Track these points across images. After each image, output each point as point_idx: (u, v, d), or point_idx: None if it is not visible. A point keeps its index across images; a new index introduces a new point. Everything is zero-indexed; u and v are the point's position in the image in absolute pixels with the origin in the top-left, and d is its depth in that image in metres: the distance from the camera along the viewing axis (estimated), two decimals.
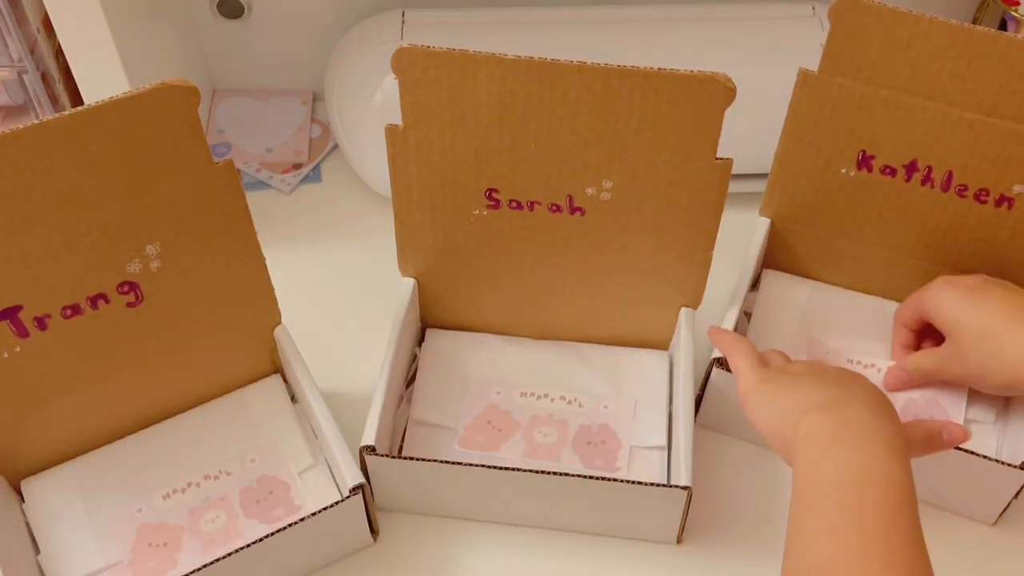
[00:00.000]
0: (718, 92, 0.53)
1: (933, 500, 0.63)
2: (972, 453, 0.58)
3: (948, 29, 0.56)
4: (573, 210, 0.60)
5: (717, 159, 0.56)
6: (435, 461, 0.57)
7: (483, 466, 0.57)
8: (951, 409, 0.65)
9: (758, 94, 0.63)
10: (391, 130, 0.58)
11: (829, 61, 0.60)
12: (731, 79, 0.52)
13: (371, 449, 0.57)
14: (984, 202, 0.61)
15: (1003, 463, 0.58)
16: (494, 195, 0.60)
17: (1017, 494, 0.60)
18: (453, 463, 0.57)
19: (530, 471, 0.57)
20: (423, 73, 0.55)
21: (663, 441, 0.63)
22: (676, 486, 0.56)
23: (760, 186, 0.68)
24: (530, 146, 0.57)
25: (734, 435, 0.66)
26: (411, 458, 0.58)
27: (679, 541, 0.61)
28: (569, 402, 0.66)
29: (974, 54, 0.56)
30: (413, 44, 0.54)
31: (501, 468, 0.57)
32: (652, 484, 0.56)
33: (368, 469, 0.59)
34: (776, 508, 0.63)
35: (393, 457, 0.58)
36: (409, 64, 0.54)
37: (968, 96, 0.58)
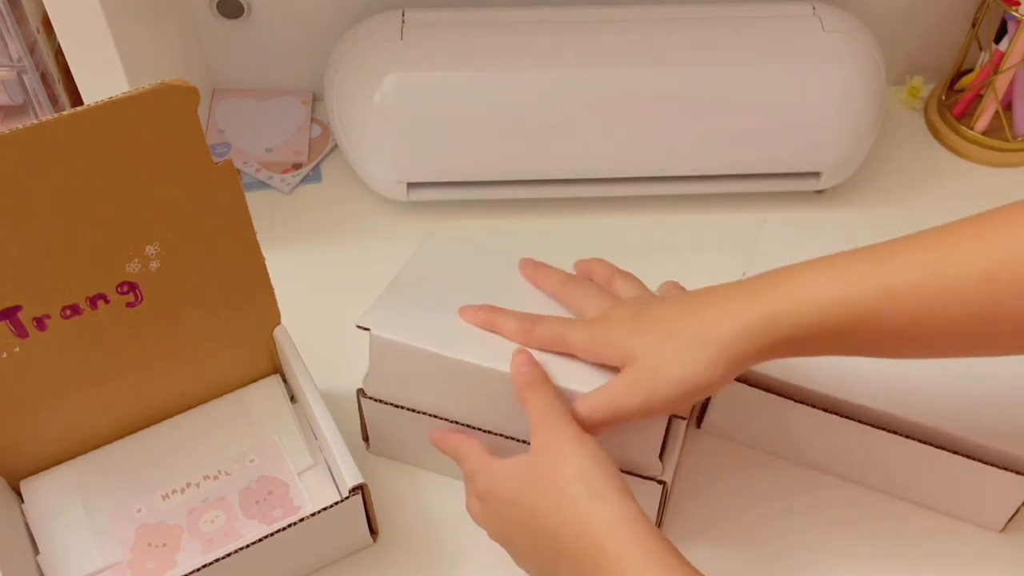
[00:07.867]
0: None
1: (940, 506, 0.63)
2: (979, 460, 0.58)
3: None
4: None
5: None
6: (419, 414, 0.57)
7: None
8: None
9: (758, 94, 0.63)
10: None
11: None
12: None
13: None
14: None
15: (1010, 470, 0.58)
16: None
17: None
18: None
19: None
20: None
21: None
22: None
23: (760, 186, 0.68)
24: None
25: (735, 440, 0.67)
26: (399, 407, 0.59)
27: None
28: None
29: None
30: None
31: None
32: (646, 478, 0.56)
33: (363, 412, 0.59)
34: (776, 508, 0.63)
35: (386, 403, 0.58)
36: None
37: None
